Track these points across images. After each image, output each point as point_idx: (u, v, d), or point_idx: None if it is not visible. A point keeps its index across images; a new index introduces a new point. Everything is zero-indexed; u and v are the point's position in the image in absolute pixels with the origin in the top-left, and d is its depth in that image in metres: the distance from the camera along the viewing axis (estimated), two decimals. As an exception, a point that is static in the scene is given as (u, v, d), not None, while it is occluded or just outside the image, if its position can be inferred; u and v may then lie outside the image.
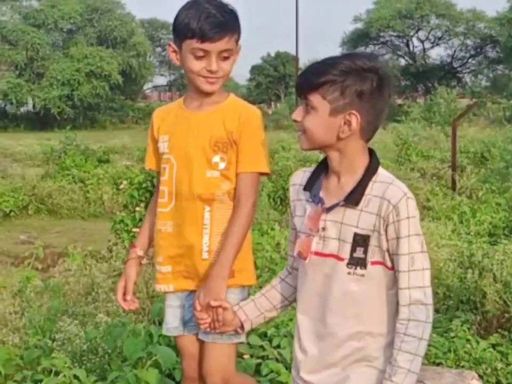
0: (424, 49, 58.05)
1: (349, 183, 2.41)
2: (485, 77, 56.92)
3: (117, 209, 14.78)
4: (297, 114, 2.44)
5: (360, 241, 2.36)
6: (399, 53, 57.89)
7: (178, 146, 3.07)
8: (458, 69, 58.01)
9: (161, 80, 70.84)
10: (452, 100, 29.39)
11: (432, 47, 58.32)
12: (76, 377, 3.75)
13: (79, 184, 16.91)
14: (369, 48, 56.99)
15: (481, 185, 12.28)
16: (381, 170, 2.42)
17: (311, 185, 2.49)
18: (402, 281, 2.33)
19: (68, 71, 48.44)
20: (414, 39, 57.48)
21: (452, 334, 5.09)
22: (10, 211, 15.25)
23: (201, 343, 3.08)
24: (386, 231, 2.33)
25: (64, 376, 3.67)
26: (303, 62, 48.19)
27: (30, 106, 51.91)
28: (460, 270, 6.34)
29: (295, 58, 43.18)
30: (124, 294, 3.11)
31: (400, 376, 2.30)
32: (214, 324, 2.71)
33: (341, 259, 2.38)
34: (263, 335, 4.64)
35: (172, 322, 3.14)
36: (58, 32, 52.77)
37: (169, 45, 3.09)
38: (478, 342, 4.98)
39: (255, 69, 62.86)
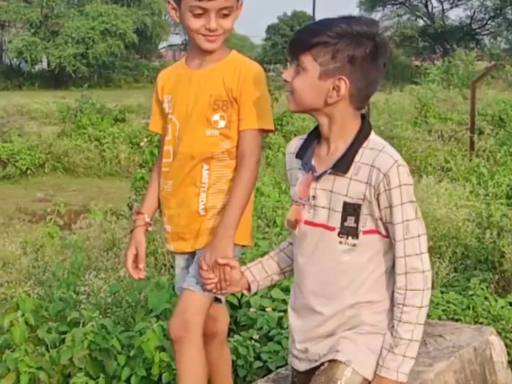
0: (443, 10, 57.26)
1: (339, 150, 2.34)
2: (504, 39, 56.11)
3: (133, 168, 14.86)
4: (288, 75, 2.36)
5: (351, 210, 2.29)
6: (418, 13, 57.09)
7: (180, 106, 3.04)
8: (477, 30, 57.25)
9: (176, 39, 70.33)
10: (470, 62, 29.12)
11: (451, 8, 57.51)
12: (103, 327, 3.83)
13: (95, 142, 16.98)
14: (387, 9, 56.46)
15: (499, 148, 12.26)
16: (373, 136, 2.35)
17: (303, 153, 2.42)
18: (398, 250, 2.28)
19: (83, 29, 48.21)
20: (433, 0, 56.80)
21: (470, 292, 5.13)
22: (27, 169, 15.38)
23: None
24: (378, 200, 2.27)
25: (92, 326, 3.74)
26: (319, 22, 47.56)
27: (44, 65, 51.82)
28: (478, 230, 6.41)
29: (312, 18, 42.85)
30: (134, 261, 3.06)
31: (402, 347, 2.29)
32: (221, 284, 2.59)
33: (331, 229, 2.33)
34: (285, 289, 4.69)
35: (179, 282, 3.11)
36: (73, -11, 52.55)
37: (169, 2, 3.02)
38: (496, 300, 5.01)
39: (271, 29, 62.26)
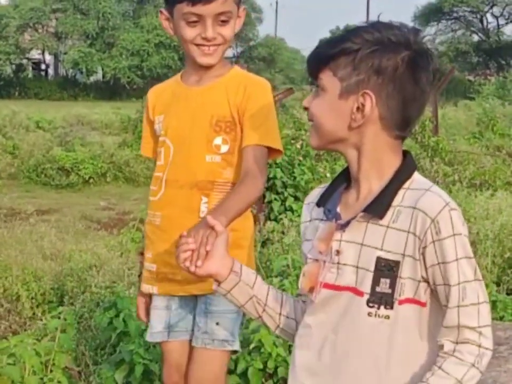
0: (498, 26, 56.98)
1: (373, 192, 1.82)
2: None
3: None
4: (306, 100, 1.88)
5: (386, 269, 1.74)
6: (473, 29, 56.95)
7: (174, 127, 2.70)
8: (534, 46, 56.87)
9: (228, 52, 70.95)
10: (527, 78, 28.99)
11: (507, 23, 57.11)
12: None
13: (156, 153, 17.17)
14: (442, 24, 56.40)
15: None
16: (417, 176, 1.83)
17: (325, 200, 1.90)
18: (449, 319, 1.72)
19: (138, 41, 49.07)
20: (488, 15, 56.50)
21: None
22: (90, 178, 15.60)
23: (190, 350, 2.75)
24: (424, 255, 1.73)
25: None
26: (372, 37, 47.80)
27: (99, 76, 52.73)
28: None
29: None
30: (146, 309, 2.83)
31: None
32: (199, 252, 1.96)
33: (359, 293, 1.77)
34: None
35: (156, 327, 2.78)
36: (129, 1, 53.43)
37: (161, 12, 2.69)
38: None
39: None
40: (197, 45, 2.62)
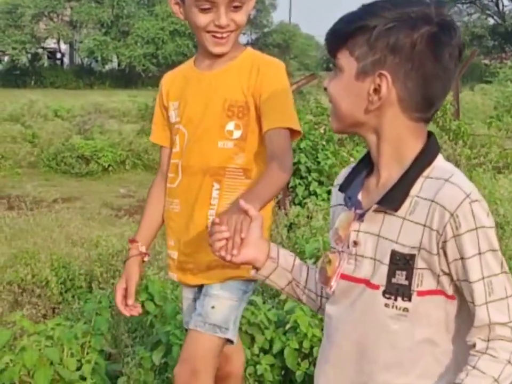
0: (514, 9, 56.90)
1: (392, 179, 1.75)
2: None
3: (212, 165, 15.09)
4: (326, 81, 1.82)
5: (401, 262, 1.69)
6: (488, 12, 56.66)
7: (188, 113, 2.65)
8: (550, 29, 56.49)
9: (243, 39, 70.99)
10: (544, 60, 28.77)
11: (523, 6, 57.16)
12: (250, 303, 3.94)
13: (174, 140, 17.20)
14: (457, 7, 56.08)
15: None
16: (439, 161, 1.75)
17: (347, 185, 1.85)
18: (479, 318, 1.66)
19: (153, 29, 49.06)
20: (504, -2, 56.33)
21: None
22: (109, 166, 15.64)
23: None
24: (444, 249, 1.66)
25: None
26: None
27: (114, 64, 52.85)
28: None
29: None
30: (125, 297, 2.72)
31: None
32: (234, 240, 1.92)
33: (375, 287, 1.73)
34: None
35: (187, 316, 2.79)
36: (143, -11, 53.51)
37: None
38: None
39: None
40: (210, 31, 2.57)
